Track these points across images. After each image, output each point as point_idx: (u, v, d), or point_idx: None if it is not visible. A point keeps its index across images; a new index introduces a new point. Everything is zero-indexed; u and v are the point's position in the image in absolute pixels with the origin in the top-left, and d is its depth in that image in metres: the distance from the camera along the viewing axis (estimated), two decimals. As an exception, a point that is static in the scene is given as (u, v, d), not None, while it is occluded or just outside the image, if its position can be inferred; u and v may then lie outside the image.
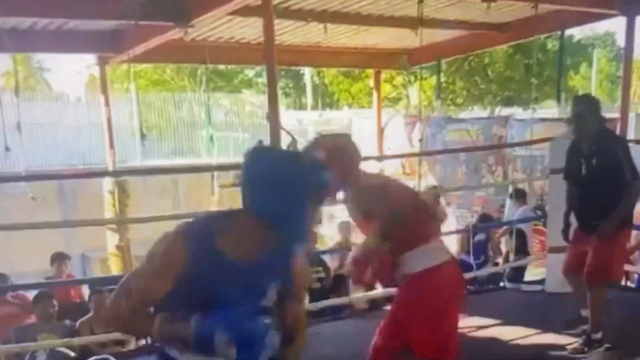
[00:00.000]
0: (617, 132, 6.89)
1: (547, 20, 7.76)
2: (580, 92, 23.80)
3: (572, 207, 4.38)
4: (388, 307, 5.35)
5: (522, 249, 7.01)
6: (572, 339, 4.37)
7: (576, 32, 24.81)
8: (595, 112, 4.10)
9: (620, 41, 23.93)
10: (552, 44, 17.31)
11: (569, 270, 4.49)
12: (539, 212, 7.67)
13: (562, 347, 4.32)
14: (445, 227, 8.62)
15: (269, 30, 5.66)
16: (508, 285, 6.30)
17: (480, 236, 7.18)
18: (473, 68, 17.16)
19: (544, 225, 6.62)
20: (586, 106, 4.14)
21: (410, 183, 10.81)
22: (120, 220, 9.06)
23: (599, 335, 4.13)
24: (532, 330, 4.67)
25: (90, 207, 9.82)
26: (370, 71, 12.70)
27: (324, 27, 7.92)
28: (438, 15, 8.15)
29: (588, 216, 4.20)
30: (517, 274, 6.75)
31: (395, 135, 12.20)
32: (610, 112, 7.67)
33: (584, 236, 4.20)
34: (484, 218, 8.16)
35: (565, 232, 4.45)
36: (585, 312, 4.34)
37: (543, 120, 8.99)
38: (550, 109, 12.43)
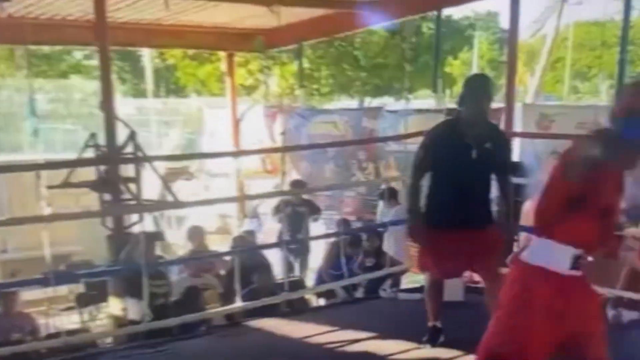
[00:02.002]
0: (502, 123, 7.24)
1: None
2: (460, 79, 24.89)
3: (441, 199, 4.36)
4: (248, 322, 5.48)
5: (378, 253, 7.29)
6: (455, 353, 4.58)
7: (455, 12, 25.35)
8: (492, 94, 4.32)
9: (504, 23, 24.57)
10: (427, 26, 17.92)
11: (446, 275, 4.70)
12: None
13: (443, 360, 4.52)
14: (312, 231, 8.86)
15: (100, 4, 5.51)
16: (384, 294, 6.49)
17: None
18: (341, 53, 17.55)
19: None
20: (487, 86, 4.31)
21: (272, 182, 10.97)
22: None
23: None
24: (411, 344, 4.80)
25: None
26: (222, 54, 12.65)
27: (165, 1, 7.82)
28: (299, -9, 8.23)
29: (468, 208, 4.26)
30: (394, 281, 6.99)
31: (254, 128, 12.23)
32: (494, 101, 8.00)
33: (459, 232, 4.24)
34: (343, 223, 8.45)
35: (419, 229, 4.46)
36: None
37: (419, 111, 9.33)
38: (425, 100, 12.94)
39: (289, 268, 8.49)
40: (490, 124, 4.38)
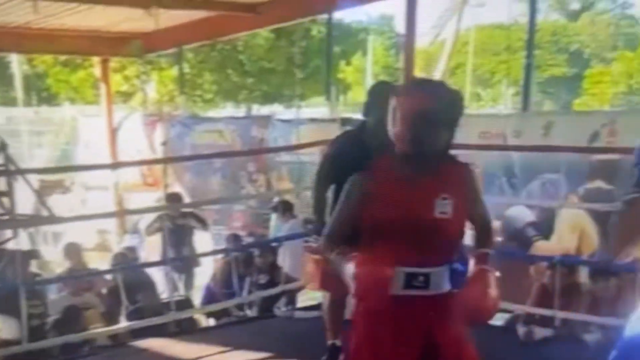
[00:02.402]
0: None
1: (313, 0, 7.94)
2: (354, 86, 24.98)
3: None
4: (134, 343, 5.32)
5: (272, 269, 7.21)
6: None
7: (347, 16, 24.87)
8: None
9: (400, 27, 23.78)
10: (318, 30, 17.79)
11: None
12: (310, 227, 7.89)
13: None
14: (200, 247, 8.67)
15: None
16: (278, 312, 6.41)
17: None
18: (225, 57, 17.37)
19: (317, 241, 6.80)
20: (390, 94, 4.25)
21: (154, 195, 10.68)
22: None
23: None
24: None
25: None
26: (96, 59, 12.31)
27: (34, 4, 7.48)
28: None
29: None
30: (289, 299, 6.90)
31: (132, 138, 11.89)
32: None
33: None
34: (234, 238, 8.33)
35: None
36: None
37: (312, 120, 9.27)
38: (318, 108, 12.91)
39: (174, 286, 8.27)
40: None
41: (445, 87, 2.72)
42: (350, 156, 4.05)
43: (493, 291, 2.84)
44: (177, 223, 8.52)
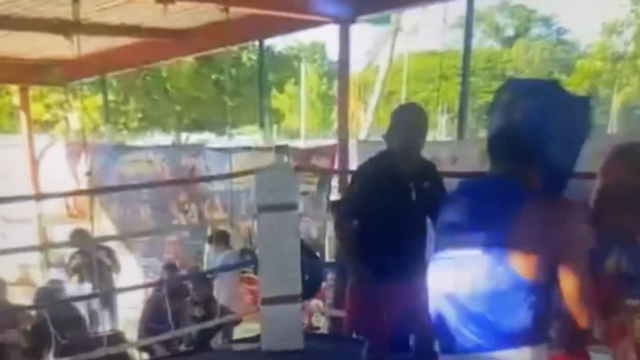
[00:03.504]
0: (336, 161, 7.29)
1: (242, 27, 7.97)
2: (287, 113, 24.93)
3: (371, 251, 3.97)
4: None
5: (207, 302, 7.21)
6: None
7: (277, 43, 24.51)
8: (425, 125, 4.06)
9: (332, 54, 24.25)
10: (248, 57, 17.91)
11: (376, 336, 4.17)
12: (247, 257, 7.93)
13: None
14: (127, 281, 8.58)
15: None
16: (216, 345, 6.42)
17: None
18: (149, 84, 17.28)
19: (255, 272, 6.83)
20: (419, 117, 4.05)
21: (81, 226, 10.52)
22: None
23: None
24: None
25: None
26: (14, 87, 12.15)
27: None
28: (99, 19, 8.13)
29: (408, 259, 3.88)
30: (226, 331, 6.93)
31: (55, 168, 11.73)
32: (326, 138, 8.07)
33: (394, 286, 3.89)
34: (170, 268, 8.29)
35: (369, 280, 4.01)
36: None
37: (246, 148, 9.29)
38: (251, 135, 12.94)
39: (97, 321, 8.16)
40: (424, 160, 4.13)
41: None
42: (378, 187, 3.96)
43: None
44: (92, 258, 8.39)
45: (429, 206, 3.72)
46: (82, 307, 7.37)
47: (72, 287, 8.71)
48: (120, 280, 8.71)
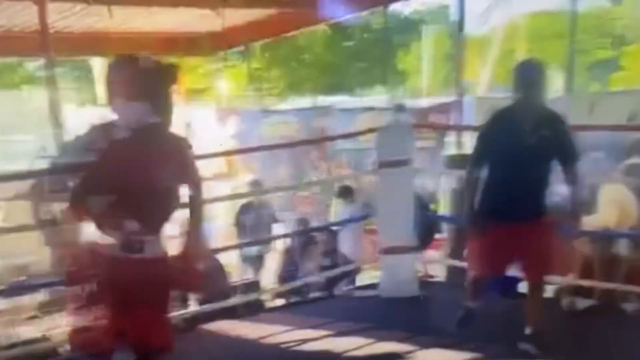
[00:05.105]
0: (451, 117, 7.23)
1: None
2: (412, 74, 24.78)
3: (496, 192, 4.17)
4: (204, 326, 5.45)
5: (333, 252, 7.32)
6: (411, 347, 4.61)
7: (405, 7, 24.41)
8: (543, 78, 4.13)
9: (455, 15, 23.84)
10: (376, 22, 17.86)
11: (493, 271, 4.44)
12: (370, 211, 7.99)
13: (401, 356, 4.53)
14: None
15: (42, 15, 5.47)
16: (339, 292, 6.52)
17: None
18: (289, 52, 17.53)
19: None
20: (537, 71, 4.12)
21: (228, 185, 10.93)
22: None
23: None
24: (367, 340, 4.84)
25: None
26: (171, 59, 12.57)
27: (108, 9, 7.76)
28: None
29: (523, 200, 4.09)
30: (349, 279, 7.04)
31: (205, 132, 12.17)
32: (446, 96, 7.96)
33: (512, 226, 4.06)
34: (302, 222, 8.50)
35: (475, 222, 4.25)
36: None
37: (370, 109, 9.30)
38: (378, 96, 12.90)
39: (245, 270, 8.49)
40: (547, 110, 4.14)
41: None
42: (497, 135, 4.15)
43: (198, 267, 3.09)
44: (258, 213, 8.75)
45: (548, 153, 4.02)
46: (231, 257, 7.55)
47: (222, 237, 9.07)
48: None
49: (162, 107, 2.88)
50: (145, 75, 2.78)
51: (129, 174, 2.79)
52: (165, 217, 3.06)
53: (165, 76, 2.93)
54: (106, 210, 2.81)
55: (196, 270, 3.06)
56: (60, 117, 6.97)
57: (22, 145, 15.13)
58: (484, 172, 4.23)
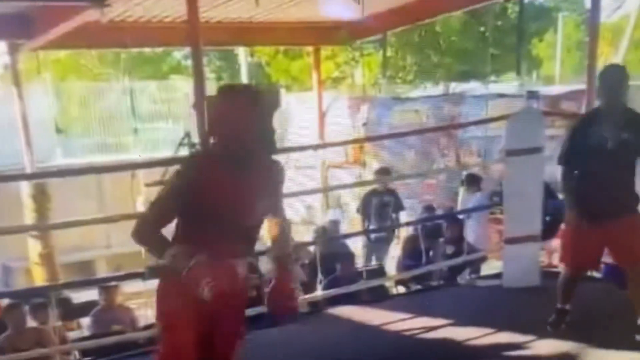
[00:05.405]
0: (583, 105, 6.98)
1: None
2: (545, 61, 24.08)
3: (582, 191, 4.36)
4: (330, 310, 5.57)
5: (458, 241, 7.21)
6: (530, 337, 4.56)
7: None
8: (625, 83, 4.29)
9: (588, 3, 23.23)
10: (512, 9, 17.52)
11: (585, 265, 4.68)
12: (496, 200, 7.85)
13: (520, 346, 4.50)
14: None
15: (192, 5, 5.64)
16: (462, 281, 6.47)
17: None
18: (424, 39, 17.36)
19: (502, 213, 6.77)
20: (618, 77, 4.29)
21: (354, 172, 11.02)
22: (42, 227, 9.13)
23: None
24: (488, 329, 4.81)
25: (8, 213, 9.59)
26: (309, 48, 12.75)
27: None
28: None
29: (612, 198, 4.25)
30: (473, 268, 6.96)
31: (338, 120, 12.31)
32: (579, 84, 7.69)
33: (600, 223, 4.25)
34: (428, 209, 8.44)
35: (583, 215, 4.38)
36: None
37: (501, 95, 9.10)
38: (510, 83, 12.58)
39: (370, 257, 8.55)
40: (630, 112, 4.31)
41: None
42: (582, 137, 4.36)
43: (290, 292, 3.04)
44: (383, 200, 8.80)
45: (629, 154, 4.26)
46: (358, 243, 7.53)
47: (352, 225, 9.13)
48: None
49: (266, 133, 2.96)
50: (253, 103, 2.87)
51: (235, 201, 2.88)
52: (258, 238, 3.18)
53: (270, 103, 3.01)
54: (210, 236, 2.90)
55: (293, 293, 3.15)
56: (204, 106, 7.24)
57: (170, 133, 15.92)
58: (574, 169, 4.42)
